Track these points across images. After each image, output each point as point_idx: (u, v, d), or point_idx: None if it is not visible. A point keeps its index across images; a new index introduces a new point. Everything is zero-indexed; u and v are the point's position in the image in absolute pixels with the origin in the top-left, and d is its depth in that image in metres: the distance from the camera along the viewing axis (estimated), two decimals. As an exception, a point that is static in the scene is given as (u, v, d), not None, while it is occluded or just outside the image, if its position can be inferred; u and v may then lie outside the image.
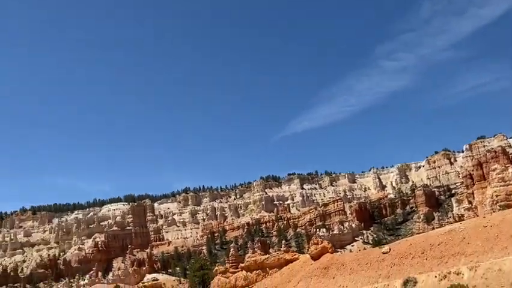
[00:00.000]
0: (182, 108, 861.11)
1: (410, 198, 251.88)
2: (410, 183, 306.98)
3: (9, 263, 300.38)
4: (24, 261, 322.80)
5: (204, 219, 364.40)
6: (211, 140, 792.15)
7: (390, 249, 44.04)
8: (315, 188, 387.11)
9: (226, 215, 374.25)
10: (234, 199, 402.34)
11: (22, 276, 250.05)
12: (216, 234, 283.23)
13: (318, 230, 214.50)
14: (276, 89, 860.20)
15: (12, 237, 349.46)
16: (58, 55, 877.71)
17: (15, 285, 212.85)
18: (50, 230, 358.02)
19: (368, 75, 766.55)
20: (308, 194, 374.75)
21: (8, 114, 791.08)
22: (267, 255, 50.25)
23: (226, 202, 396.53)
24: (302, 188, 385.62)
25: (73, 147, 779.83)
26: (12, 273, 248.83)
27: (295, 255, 58.63)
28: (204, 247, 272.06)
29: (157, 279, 58.39)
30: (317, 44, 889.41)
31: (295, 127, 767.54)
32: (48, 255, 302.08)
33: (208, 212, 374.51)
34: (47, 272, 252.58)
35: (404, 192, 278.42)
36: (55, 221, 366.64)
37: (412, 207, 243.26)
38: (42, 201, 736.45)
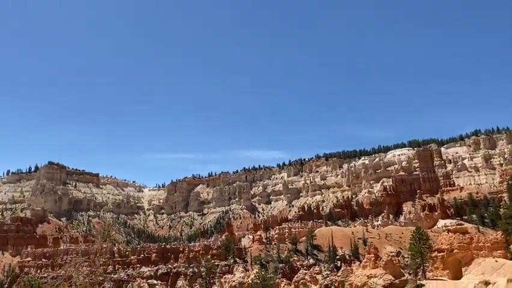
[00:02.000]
0: (467, 40, 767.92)
1: None
2: None
3: (312, 202, 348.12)
4: (323, 201, 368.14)
5: (501, 164, 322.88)
6: (505, 70, 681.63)
7: None
8: None
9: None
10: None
11: (323, 214, 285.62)
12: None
13: None
14: None
15: (311, 180, 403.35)
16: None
17: (319, 220, 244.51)
18: (342, 174, 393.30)
19: None
20: None
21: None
22: None
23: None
24: None
25: (357, 96, 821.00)
26: (315, 211, 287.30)
27: None
28: (504, 194, 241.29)
29: (461, 224, 54.09)
30: None
31: None
32: (343, 196, 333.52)
33: (505, 156, 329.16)
34: (343, 211, 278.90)
35: None
36: (345, 166, 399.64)
37: None
38: (332, 148, 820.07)
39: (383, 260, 48.26)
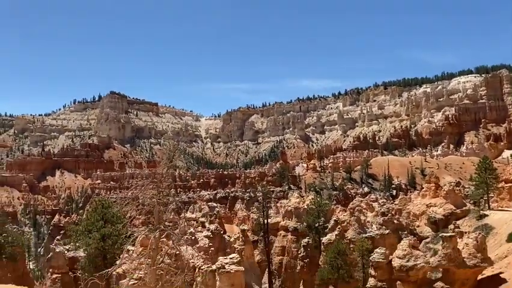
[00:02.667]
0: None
1: None
2: None
3: (368, 132, 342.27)
4: (379, 131, 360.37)
5: None
6: None
7: None
8: None
9: None
10: None
11: (379, 144, 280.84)
12: None
13: None
14: None
15: (368, 110, 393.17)
16: None
17: (375, 150, 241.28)
18: (401, 103, 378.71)
19: None
20: None
21: None
22: None
23: None
24: None
25: (420, 19, 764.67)
26: (371, 140, 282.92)
27: None
28: None
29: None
30: None
31: None
32: (401, 126, 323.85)
33: None
34: (401, 141, 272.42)
35: None
36: (404, 95, 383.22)
37: None
38: (392, 76, 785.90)
39: (444, 190, 46.98)
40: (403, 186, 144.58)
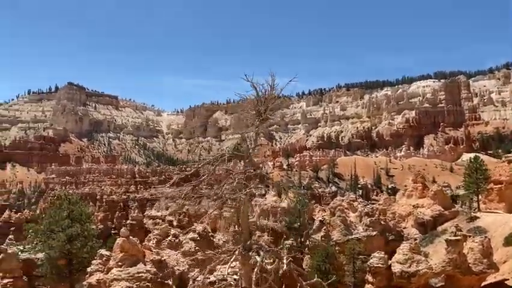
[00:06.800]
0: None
1: None
2: None
3: (331, 132, 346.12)
4: (341, 131, 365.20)
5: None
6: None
7: None
8: None
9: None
10: None
11: (342, 144, 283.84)
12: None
13: None
14: None
15: (331, 111, 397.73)
16: None
17: (339, 150, 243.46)
18: (362, 105, 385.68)
19: None
20: None
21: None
22: None
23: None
24: None
25: (383, 24, 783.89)
26: (334, 140, 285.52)
27: None
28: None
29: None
30: None
31: None
32: (363, 127, 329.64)
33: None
34: (363, 141, 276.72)
35: None
36: (366, 97, 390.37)
37: None
38: (354, 78, 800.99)
39: (431, 190, 45.49)
40: (369, 186, 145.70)
